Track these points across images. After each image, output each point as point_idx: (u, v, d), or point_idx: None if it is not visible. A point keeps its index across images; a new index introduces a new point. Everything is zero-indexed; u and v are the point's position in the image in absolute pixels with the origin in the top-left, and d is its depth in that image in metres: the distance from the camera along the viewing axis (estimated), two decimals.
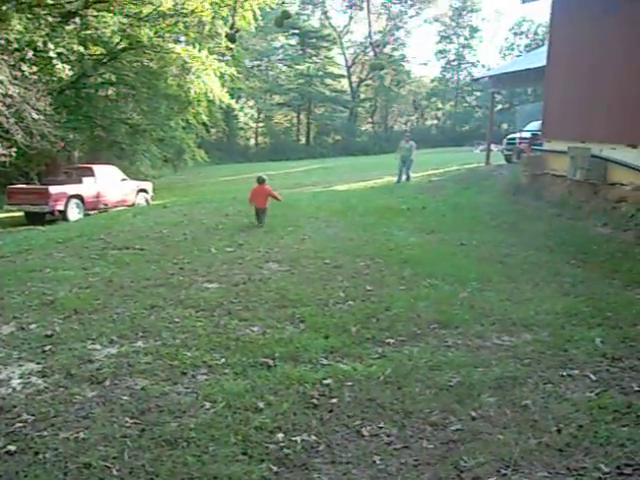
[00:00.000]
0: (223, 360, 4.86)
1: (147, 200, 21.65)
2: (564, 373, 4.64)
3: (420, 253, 8.96)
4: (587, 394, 4.28)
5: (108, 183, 19.99)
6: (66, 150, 24.68)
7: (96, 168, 20.11)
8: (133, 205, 20.46)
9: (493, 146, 26.76)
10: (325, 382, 4.43)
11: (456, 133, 67.48)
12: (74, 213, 18.20)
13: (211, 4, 25.85)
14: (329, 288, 7.04)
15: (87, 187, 19.00)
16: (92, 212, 18.72)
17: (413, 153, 22.19)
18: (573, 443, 3.57)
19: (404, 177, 22.29)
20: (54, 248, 9.75)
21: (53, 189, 17.83)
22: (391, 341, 5.32)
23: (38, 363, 4.94)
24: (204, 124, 34.61)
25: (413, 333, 5.52)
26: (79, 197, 18.55)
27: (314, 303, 6.42)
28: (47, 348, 5.21)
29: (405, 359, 4.88)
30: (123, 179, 21.14)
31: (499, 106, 57.38)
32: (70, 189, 18.39)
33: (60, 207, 17.83)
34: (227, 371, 4.66)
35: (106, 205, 19.62)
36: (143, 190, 21.88)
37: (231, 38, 21.76)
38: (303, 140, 68.18)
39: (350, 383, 4.43)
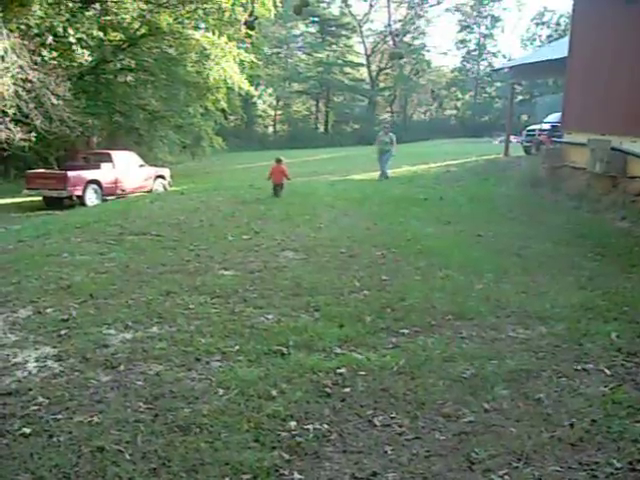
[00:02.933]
0: (237, 347, 4.88)
1: (165, 186, 21.71)
2: (579, 367, 4.62)
3: (436, 244, 8.93)
4: (601, 389, 4.25)
5: (126, 169, 20.05)
6: (85, 135, 24.79)
7: (114, 154, 20.18)
8: (151, 191, 20.52)
9: (512, 137, 26.58)
10: (339, 371, 4.44)
11: (475, 124, 66.92)
12: (92, 198, 18.29)
13: None
14: (344, 277, 7.05)
15: (105, 172, 19.08)
16: (110, 198, 18.80)
17: (394, 147, 20.37)
18: (586, 438, 3.56)
19: (380, 173, 20.43)
20: (72, 233, 9.83)
21: (71, 174, 17.92)
22: (405, 331, 5.31)
23: (54, 347, 4.98)
24: (223, 111, 34.60)
25: (428, 324, 5.51)
26: (97, 182, 18.63)
27: (329, 292, 6.42)
28: (63, 332, 5.26)
29: (419, 350, 4.87)
30: (141, 165, 21.20)
31: (519, 97, 56.77)
32: (88, 174, 18.48)
33: (78, 192, 17.92)
34: (241, 358, 4.68)
35: (124, 191, 19.69)
36: (161, 176, 21.94)
37: (250, 25, 21.70)
38: (321, 128, 67.98)
39: (363, 373, 4.43)
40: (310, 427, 3.66)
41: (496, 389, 4.20)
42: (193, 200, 13.31)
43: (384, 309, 5.87)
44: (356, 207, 12.44)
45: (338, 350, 4.87)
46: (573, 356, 4.83)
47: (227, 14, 26.72)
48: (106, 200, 18.40)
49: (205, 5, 26.40)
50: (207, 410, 3.84)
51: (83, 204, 17.60)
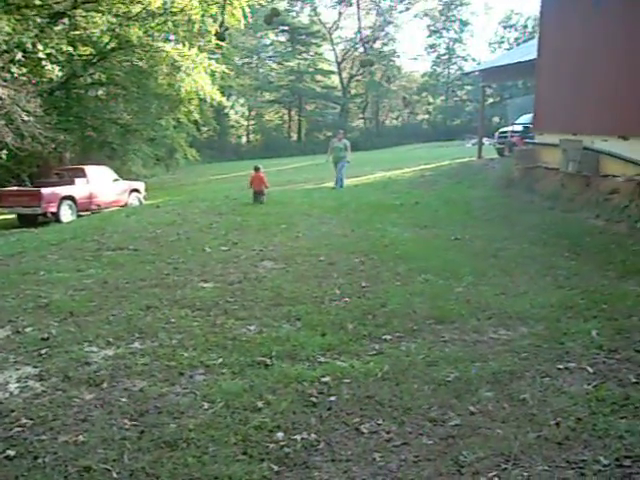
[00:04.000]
0: (220, 360, 4.86)
1: (140, 200, 21.60)
2: (561, 366, 4.65)
3: (414, 249, 8.97)
4: (585, 387, 4.29)
5: (100, 184, 19.93)
6: (57, 151, 24.59)
7: (88, 169, 20.05)
8: (126, 205, 20.41)
9: (485, 140, 26.78)
10: (323, 380, 4.43)
11: (447, 127, 67.34)
12: (67, 214, 18.14)
13: (200, 2, 25.83)
14: (324, 285, 7.05)
15: (79, 188, 18.93)
16: (85, 213, 18.66)
17: (348, 154, 19.52)
18: (572, 436, 3.58)
19: (336, 182, 19.58)
20: (48, 250, 9.73)
21: (45, 191, 17.77)
22: (388, 337, 5.32)
23: (35, 367, 4.91)
24: (195, 122, 34.56)
25: (410, 329, 5.53)
26: (71, 198, 18.48)
27: (310, 301, 6.42)
28: (44, 351, 5.19)
29: (402, 355, 4.89)
30: (115, 179, 21.09)
31: (490, 100, 57.30)
32: (62, 190, 18.32)
33: (52, 209, 17.77)
34: (225, 371, 4.66)
35: (99, 206, 19.56)
36: (136, 190, 21.83)
37: (221, 37, 21.80)
38: (294, 137, 68.07)
39: (348, 380, 4.43)
40: (298, 437, 3.65)
41: (480, 391, 4.22)
42: (169, 213, 13.25)
43: (365, 316, 5.88)
44: (333, 215, 12.46)
45: (322, 359, 4.87)
46: (555, 355, 4.87)
47: (197, 26, 26.64)
48: (81, 216, 18.26)
49: (174, 17, 26.28)
50: (193, 424, 3.81)
51: (58, 220, 17.44)
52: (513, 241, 9.54)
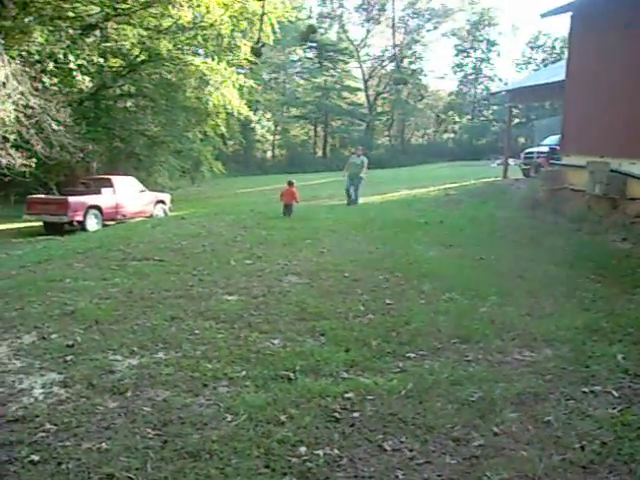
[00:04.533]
0: (244, 372, 4.87)
1: (165, 211, 21.81)
2: (586, 389, 4.62)
3: (439, 267, 8.93)
4: (610, 410, 4.25)
5: (126, 194, 20.16)
6: (85, 161, 24.94)
7: (115, 179, 20.31)
8: (151, 216, 20.61)
9: (510, 160, 26.71)
10: (347, 396, 4.43)
11: (473, 147, 67.32)
12: (92, 223, 18.37)
13: (230, 17, 26.16)
14: (349, 301, 7.05)
15: (105, 198, 19.17)
16: (110, 223, 18.87)
17: (364, 170, 19.31)
18: (597, 460, 3.55)
19: (353, 198, 19.41)
20: (74, 258, 9.82)
21: (72, 199, 18.02)
22: (412, 355, 5.31)
23: (60, 373, 4.96)
24: (221, 136, 34.82)
25: (434, 347, 5.51)
26: (97, 208, 18.71)
27: (334, 316, 6.42)
28: (69, 358, 5.24)
29: (426, 374, 4.87)
30: (142, 190, 21.32)
31: (516, 120, 57.18)
32: (89, 199, 18.59)
33: (79, 217, 18.01)
34: (248, 384, 4.67)
35: (124, 216, 19.77)
36: (161, 201, 22.04)
37: (257, 52, 21.85)
38: (320, 153, 68.42)
39: (372, 397, 4.43)
40: (320, 452, 3.65)
41: (505, 412, 4.20)
42: (194, 225, 13.33)
43: (389, 333, 5.87)
44: (358, 231, 12.46)
45: (345, 375, 4.87)
46: (580, 378, 4.83)
47: (226, 40, 26.97)
48: (106, 225, 18.46)
49: (204, 32, 26.67)
50: (216, 436, 3.82)
51: (84, 229, 17.64)
52: (538, 262, 9.47)
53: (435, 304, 6.98)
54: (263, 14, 26.80)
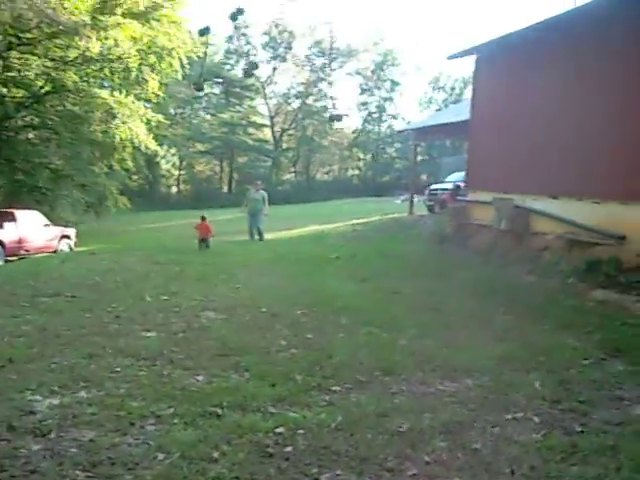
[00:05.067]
0: (171, 410, 4.78)
1: (70, 246, 21.19)
2: (509, 416, 4.78)
3: (355, 301, 9.07)
4: (533, 436, 4.42)
5: (30, 228, 19.48)
6: None
7: (17, 213, 19.58)
8: (56, 252, 19.96)
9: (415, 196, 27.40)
10: (277, 430, 4.42)
11: (377, 183, 68.61)
12: None
13: (138, 51, 25.93)
14: (269, 336, 7.05)
15: (8, 232, 18.43)
16: (12, 258, 18.14)
17: (265, 206, 19.42)
18: None
19: (256, 236, 19.54)
20: None
21: None
22: (337, 389, 5.36)
23: None
24: (126, 170, 34.23)
25: (358, 380, 5.57)
26: None
27: (256, 351, 6.40)
28: None
29: (353, 407, 4.92)
30: (46, 224, 20.66)
31: (419, 157, 58.93)
32: None
33: None
34: (176, 421, 4.59)
35: (28, 251, 19.04)
36: (66, 236, 21.41)
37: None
38: (225, 188, 68.15)
39: (302, 431, 4.43)
40: None
41: (434, 441, 4.29)
42: (105, 260, 13.04)
43: (313, 367, 5.90)
44: (271, 266, 12.52)
45: (273, 410, 4.85)
46: (502, 406, 5.00)
47: (134, 74, 26.66)
48: (9, 260, 17.74)
49: (112, 64, 26.30)
50: (150, 476, 3.73)
51: None
52: (451, 295, 9.75)
53: (355, 337, 7.08)
54: (171, 49, 26.90)
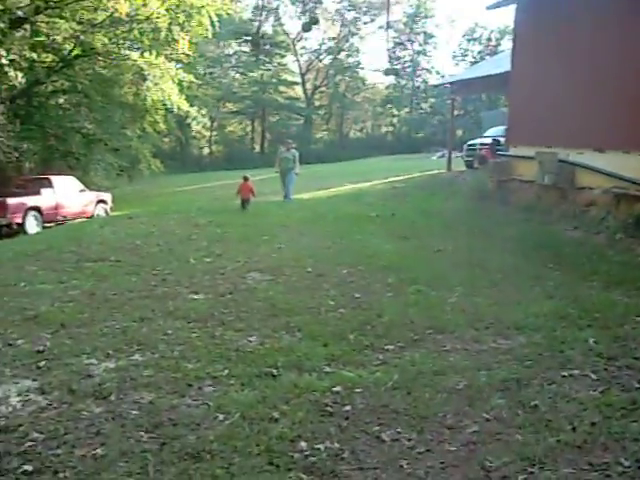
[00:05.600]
0: (227, 371, 4.88)
1: (107, 211, 21.50)
2: (565, 373, 4.80)
3: (399, 259, 9.08)
4: (591, 393, 4.44)
5: (67, 194, 19.76)
6: (18, 161, 24.30)
7: (54, 179, 19.86)
8: (92, 217, 20.29)
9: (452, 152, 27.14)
10: (334, 390, 4.49)
11: (412, 140, 67.96)
12: (32, 225, 17.89)
13: (167, 10, 25.75)
14: (317, 296, 7.12)
15: (46, 198, 18.73)
16: (50, 224, 18.45)
17: (296, 165, 18.93)
18: (590, 440, 3.71)
19: (285, 195, 19.31)
20: (25, 261, 9.58)
21: (11, 201, 17.51)
22: (390, 347, 5.41)
23: (34, 380, 4.86)
24: (158, 133, 34.29)
25: (410, 339, 5.62)
26: (37, 209, 18.25)
27: (305, 312, 6.48)
28: (41, 364, 5.13)
29: (408, 365, 4.98)
30: (82, 190, 20.92)
31: (454, 112, 58.18)
32: (29, 200, 18.07)
33: (18, 220, 17.50)
34: (233, 382, 4.69)
35: (65, 217, 19.37)
36: (102, 201, 21.72)
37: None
38: (258, 148, 68.10)
39: (359, 390, 4.50)
40: (321, 446, 3.70)
41: (492, 399, 4.33)
42: (144, 224, 13.19)
43: (364, 326, 5.96)
44: (311, 226, 12.56)
45: (328, 369, 4.93)
46: (557, 363, 5.01)
47: (163, 34, 26.49)
48: (46, 227, 18.05)
49: (140, 25, 26.17)
50: (213, 436, 3.83)
51: (24, 232, 17.19)
52: (495, 252, 9.72)
53: (403, 296, 7.11)
54: (201, 7, 26.66)
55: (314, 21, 14.78)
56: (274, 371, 4.86)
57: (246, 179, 16.44)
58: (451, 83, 26.70)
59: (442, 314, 6.34)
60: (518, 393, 4.43)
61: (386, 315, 6.31)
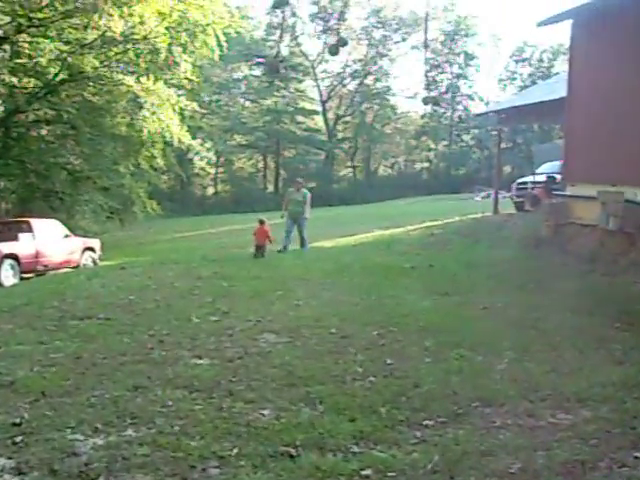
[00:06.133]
0: (236, 450, 4.87)
1: (95, 260, 21.70)
2: (638, 454, 4.74)
3: (439, 319, 9.08)
4: None
5: (49, 240, 19.98)
6: None
7: (34, 222, 20.10)
8: (78, 267, 20.46)
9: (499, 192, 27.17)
10: (363, 473, 4.47)
11: (451, 178, 68.43)
12: (8, 276, 18.00)
13: (167, 29, 26.22)
14: (342, 362, 7.12)
15: (24, 245, 18.92)
16: (29, 275, 18.62)
17: (307, 209, 18.86)
18: None
19: (296, 244, 19.10)
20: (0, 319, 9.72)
21: None
22: (429, 423, 5.39)
23: (10, 458, 4.86)
24: (155, 170, 34.49)
25: (453, 413, 5.60)
26: (14, 257, 18.40)
27: (329, 380, 6.48)
28: (18, 439, 5.14)
29: (451, 444, 4.95)
30: (66, 235, 21.17)
31: (501, 145, 58.46)
32: (4, 247, 18.20)
33: None
34: (243, 463, 4.67)
35: (46, 267, 19.55)
36: (90, 248, 21.93)
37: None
38: (271, 188, 68.66)
39: (393, 473, 4.47)
40: None
41: None
42: (139, 276, 13.34)
43: (398, 398, 5.95)
44: (334, 279, 12.61)
45: (355, 448, 4.91)
46: (629, 442, 4.96)
47: (162, 56, 26.92)
48: (24, 278, 18.21)
49: (137, 46, 26.64)
50: None
51: None
52: (552, 310, 9.69)
53: (444, 363, 7.09)
54: (206, 25, 27.20)
55: (342, 43, 14.92)
56: (292, 450, 4.85)
57: (262, 222, 17.26)
58: (497, 111, 26.84)
59: (490, 383, 6.31)
60: (583, 478, 4.39)
61: (424, 385, 6.29)
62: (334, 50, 16.02)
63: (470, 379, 6.45)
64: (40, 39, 26.52)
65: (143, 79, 26.89)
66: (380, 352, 7.54)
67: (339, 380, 6.50)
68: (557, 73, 40.50)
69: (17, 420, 5.54)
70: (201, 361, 7.32)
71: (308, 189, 20.02)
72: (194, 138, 32.45)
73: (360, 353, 7.51)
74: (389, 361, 7.15)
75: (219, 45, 28.15)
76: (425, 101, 59.51)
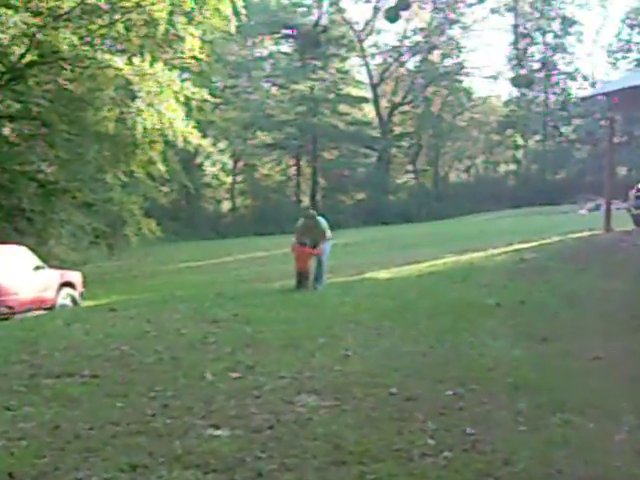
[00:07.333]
0: None
1: (75, 299, 21.75)
2: None
3: (535, 374, 9.05)
4: None
5: (14, 273, 20.11)
6: None
7: None
8: (53, 307, 20.54)
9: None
10: None
11: (547, 184, 67.66)
12: None
13: None
14: (407, 432, 7.10)
15: None
16: None
17: (327, 237, 19.04)
18: None
19: (315, 278, 18.65)
20: None
21: None
22: None
23: None
24: (153, 179, 34.23)
25: None
26: None
27: (389, 456, 6.46)
28: None
29: None
30: (37, 267, 21.24)
31: (615, 139, 58.05)
32: None
33: None
34: None
35: (11, 308, 19.63)
36: (69, 284, 21.98)
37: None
38: (306, 201, 68.45)
39: None
40: None
41: None
42: (134, 319, 13.43)
43: (484, 479, 5.93)
44: (394, 321, 12.60)
45: None
46: None
47: (161, 28, 26.78)
48: None
49: (127, 16, 26.56)
50: None
51: None
52: None
53: (543, 431, 7.06)
54: None
55: (404, 5, 14.76)
56: None
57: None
58: (607, 94, 26.71)
59: (607, 458, 6.27)
60: None
61: (518, 461, 6.26)
62: (393, 14, 15.74)
63: (580, 452, 6.42)
64: (2, 9, 26.71)
65: (136, 60, 26.59)
66: (458, 418, 7.52)
67: (403, 456, 6.49)
68: None
69: None
70: (219, 432, 7.33)
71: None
72: (204, 136, 32.43)
73: (431, 420, 7.48)
74: (469, 430, 7.13)
75: (236, 13, 28.08)
76: (515, 82, 59.13)
